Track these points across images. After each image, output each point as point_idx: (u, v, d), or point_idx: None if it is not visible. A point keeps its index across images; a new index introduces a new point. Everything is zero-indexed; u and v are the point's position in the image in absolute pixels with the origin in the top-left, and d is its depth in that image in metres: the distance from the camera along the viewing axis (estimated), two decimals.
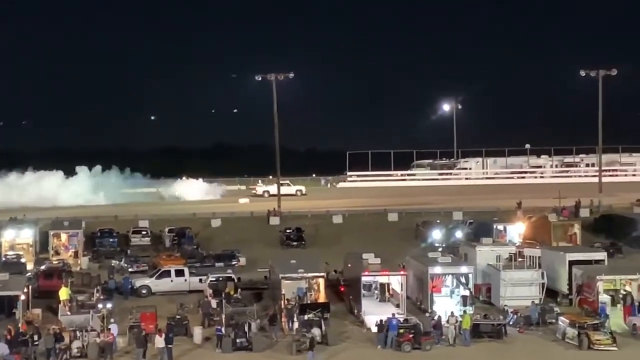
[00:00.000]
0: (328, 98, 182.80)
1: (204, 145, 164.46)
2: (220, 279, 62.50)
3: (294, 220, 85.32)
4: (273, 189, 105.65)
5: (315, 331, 52.17)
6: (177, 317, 55.18)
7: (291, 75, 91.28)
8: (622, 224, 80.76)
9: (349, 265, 62.55)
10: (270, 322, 54.27)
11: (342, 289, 62.54)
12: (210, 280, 62.20)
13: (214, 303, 57.44)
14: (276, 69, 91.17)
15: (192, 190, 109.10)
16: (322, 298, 57.59)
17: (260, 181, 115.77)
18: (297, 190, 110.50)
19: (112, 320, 53.30)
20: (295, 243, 79.61)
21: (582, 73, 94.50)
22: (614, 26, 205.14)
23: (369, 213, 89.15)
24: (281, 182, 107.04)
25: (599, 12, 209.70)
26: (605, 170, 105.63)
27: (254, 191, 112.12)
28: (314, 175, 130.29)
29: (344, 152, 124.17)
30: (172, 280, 65.45)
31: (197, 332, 53.28)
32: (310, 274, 58.04)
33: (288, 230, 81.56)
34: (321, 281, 58.07)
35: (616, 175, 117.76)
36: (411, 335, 51.40)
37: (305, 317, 54.06)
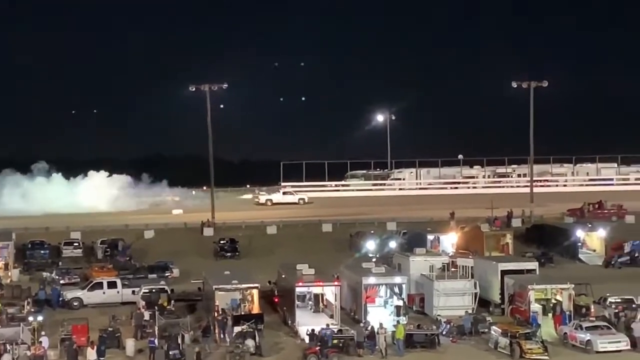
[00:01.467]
0: (262, 108, 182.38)
1: (137, 156, 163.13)
2: (153, 290, 62.10)
3: (228, 231, 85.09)
4: (276, 197, 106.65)
5: (249, 342, 52.03)
6: (110, 329, 54.63)
7: (225, 85, 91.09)
8: (553, 234, 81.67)
9: (283, 276, 62.48)
10: (203, 333, 53.99)
11: (276, 299, 62.43)
12: (143, 292, 61.74)
13: (146, 315, 56.95)
14: (210, 79, 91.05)
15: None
16: (256, 309, 57.40)
17: (257, 190, 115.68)
18: (299, 199, 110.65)
19: (42, 333, 52.58)
20: (229, 254, 79.38)
21: (514, 84, 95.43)
22: (548, 39, 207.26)
23: (303, 224, 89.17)
24: (284, 190, 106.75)
25: (533, 24, 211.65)
26: (537, 181, 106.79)
27: (256, 199, 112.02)
28: (248, 186, 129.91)
29: (278, 162, 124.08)
30: (104, 292, 64.87)
31: (130, 345, 52.75)
32: (244, 285, 57.83)
33: (222, 241, 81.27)
34: (255, 292, 57.90)
35: (547, 186, 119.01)
36: (317, 348, 51.44)
37: (239, 328, 53.89)
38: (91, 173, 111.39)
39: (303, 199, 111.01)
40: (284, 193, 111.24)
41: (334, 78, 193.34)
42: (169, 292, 62.24)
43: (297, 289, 58.52)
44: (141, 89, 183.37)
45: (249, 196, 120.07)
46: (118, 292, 64.93)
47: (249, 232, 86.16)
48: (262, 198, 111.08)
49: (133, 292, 63.77)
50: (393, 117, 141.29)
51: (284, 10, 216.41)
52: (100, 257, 77.58)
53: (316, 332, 53.00)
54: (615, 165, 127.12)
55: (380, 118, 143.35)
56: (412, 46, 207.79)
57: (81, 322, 54.64)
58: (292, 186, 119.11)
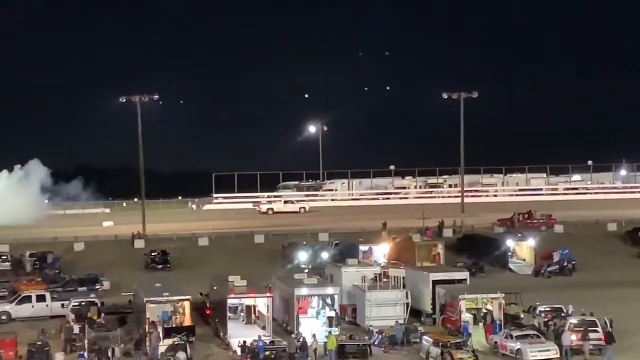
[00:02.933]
0: (194, 120, 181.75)
1: (67, 169, 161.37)
2: (83, 303, 61.34)
3: (159, 243, 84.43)
4: (277, 206, 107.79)
5: (181, 355, 51.60)
6: (39, 343, 53.78)
7: (156, 97, 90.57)
8: (484, 244, 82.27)
9: (215, 288, 62.15)
10: (136, 347, 53.53)
11: (208, 312, 62.07)
12: (73, 305, 60.99)
13: (76, 328, 56.21)
14: (141, 90, 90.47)
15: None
16: (187, 321, 57.03)
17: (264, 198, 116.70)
18: (300, 208, 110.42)
19: None
20: (160, 266, 78.75)
21: (445, 96, 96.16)
22: (480, 51, 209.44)
23: (236, 235, 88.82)
24: (286, 199, 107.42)
25: (466, 34, 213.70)
26: (468, 191, 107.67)
27: (258, 209, 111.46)
28: (180, 197, 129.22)
29: (210, 174, 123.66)
30: (33, 306, 63.96)
31: (59, 359, 52.13)
32: (175, 298, 57.43)
33: (153, 254, 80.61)
34: (187, 304, 57.51)
35: (478, 196, 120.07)
36: None
37: (171, 340, 53.50)
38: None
39: (304, 208, 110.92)
40: (285, 202, 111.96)
41: (266, 90, 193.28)
42: (99, 305, 61.60)
43: (229, 301, 58.29)
44: (71, 100, 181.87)
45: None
46: (47, 305, 64.08)
47: (181, 244, 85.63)
48: (264, 207, 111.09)
49: (63, 305, 62.98)
50: (325, 128, 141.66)
51: (217, 25, 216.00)
52: (29, 271, 76.41)
53: (248, 344, 52.83)
54: (545, 175, 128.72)
55: (312, 129, 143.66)
56: (346, 57, 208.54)
57: (9, 337, 53.80)
58: (225, 197, 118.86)
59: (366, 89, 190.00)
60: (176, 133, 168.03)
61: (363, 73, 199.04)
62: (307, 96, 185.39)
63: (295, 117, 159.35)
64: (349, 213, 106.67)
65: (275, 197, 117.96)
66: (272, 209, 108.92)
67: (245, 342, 53.03)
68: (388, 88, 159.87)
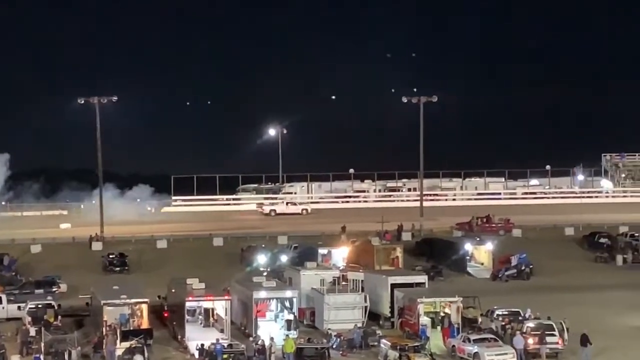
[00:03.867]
0: (152, 121, 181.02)
1: (24, 170, 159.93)
2: (40, 306, 60.94)
3: (117, 246, 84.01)
4: (280, 208, 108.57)
5: (138, 358, 51.42)
6: None
7: (115, 98, 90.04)
8: (442, 248, 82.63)
9: (173, 290, 61.93)
10: (94, 349, 53.21)
11: (166, 314, 61.83)
12: (29, 308, 60.60)
13: (32, 331, 55.84)
14: (99, 92, 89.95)
15: None
16: (145, 324, 56.79)
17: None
18: (303, 209, 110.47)
19: None
20: (118, 268, 78.41)
21: (404, 99, 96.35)
22: (442, 54, 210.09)
23: (194, 238, 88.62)
24: (288, 201, 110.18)
25: (429, 41, 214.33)
26: (427, 195, 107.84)
27: (260, 210, 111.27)
28: (138, 200, 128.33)
29: (169, 176, 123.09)
30: None
31: None
32: (133, 300, 57.16)
33: (111, 256, 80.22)
34: (144, 307, 57.26)
35: (437, 200, 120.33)
36: None
37: (128, 343, 53.21)
38: None
39: (306, 210, 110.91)
40: (288, 204, 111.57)
41: (226, 92, 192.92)
42: (56, 307, 61.18)
43: (187, 304, 58.10)
44: (27, 102, 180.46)
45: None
46: (3, 307, 63.68)
47: (139, 246, 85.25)
48: (267, 208, 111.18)
49: (19, 307, 62.64)
50: (285, 131, 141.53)
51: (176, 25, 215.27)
52: None
53: (206, 347, 52.66)
54: (503, 179, 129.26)
55: (272, 132, 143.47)
56: (302, 60, 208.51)
57: None
58: (183, 200, 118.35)
59: (332, 97, 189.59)
60: (135, 135, 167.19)
61: (325, 77, 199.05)
62: (333, 97, 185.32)
63: (255, 119, 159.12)
64: (308, 216, 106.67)
65: (278, 198, 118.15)
66: (275, 210, 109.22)
67: (202, 344, 52.85)
68: (333, 97, 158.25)
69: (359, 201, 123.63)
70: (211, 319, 60.21)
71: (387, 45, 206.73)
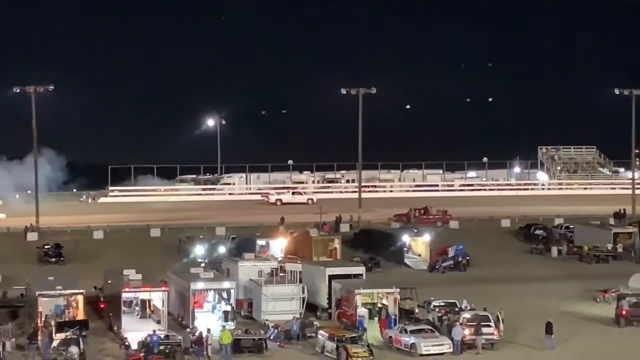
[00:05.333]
0: (89, 111, 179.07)
1: None
2: None
3: (53, 236, 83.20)
4: (285, 197, 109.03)
5: (73, 349, 50.83)
6: None
7: (51, 87, 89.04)
8: (380, 239, 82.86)
9: (109, 281, 61.51)
10: (30, 340, 52.66)
11: (102, 305, 61.34)
12: None
13: None
14: (36, 80, 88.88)
15: None
16: (80, 315, 56.35)
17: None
18: (308, 199, 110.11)
19: None
20: (53, 259, 77.59)
21: (343, 91, 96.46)
22: (378, 47, 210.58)
23: (131, 228, 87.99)
24: (293, 190, 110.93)
25: (368, 32, 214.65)
26: (365, 186, 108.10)
27: (266, 199, 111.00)
28: (74, 190, 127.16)
29: (106, 166, 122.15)
30: None
31: None
32: (68, 291, 56.67)
33: (46, 246, 79.38)
34: (80, 298, 56.83)
35: (375, 191, 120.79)
36: (142, 355, 51.01)
37: (63, 335, 52.73)
38: None
39: (312, 199, 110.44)
40: (293, 193, 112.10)
41: (166, 84, 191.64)
42: None
43: (124, 295, 57.80)
44: None
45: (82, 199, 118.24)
46: None
47: (75, 237, 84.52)
48: (272, 198, 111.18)
49: None
50: (223, 122, 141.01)
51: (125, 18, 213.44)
52: None
53: (142, 338, 52.31)
54: (441, 171, 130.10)
55: (210, 122, 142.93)
56: (243, 53, 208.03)
57: None
58: (120, 190, 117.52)
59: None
60: (72, 124, 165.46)
61: (266, 68, 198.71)
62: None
63: (194, 110, 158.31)
64: (247, 207, 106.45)
65: (284, 188, 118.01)
66: (280, 200, 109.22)
67: (125, 338, 52.56)
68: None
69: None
70: (148, 310, 59.81)
71: (327, 38, 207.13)
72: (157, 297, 58.55)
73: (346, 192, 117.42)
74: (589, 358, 54.20)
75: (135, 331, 54.53)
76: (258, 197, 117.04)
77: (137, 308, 60.09)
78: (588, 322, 60.63)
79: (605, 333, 58.34)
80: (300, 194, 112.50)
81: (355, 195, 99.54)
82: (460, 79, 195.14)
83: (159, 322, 57.01)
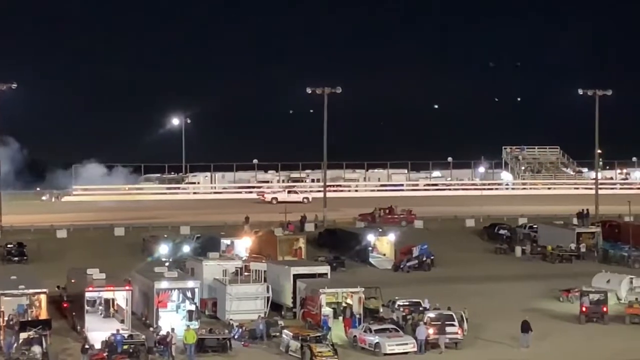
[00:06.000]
0: (53, 109, 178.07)
1: None
2: None
3: (15, 235, 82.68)
4: (281, 196, 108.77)
5: (36, 349, 50.53)
6: None
7: (14, 85, 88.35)
8: (345, 239, 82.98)
9: (73, 280, 61.17)
10: None
11: (66, 305, 60.96)
12: None
13: None
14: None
15: None
16: (43, 315, 55.93)
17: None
18: (304, 198, 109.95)
19: None
20: (16, 258, 77.11)
21: (309, 90, 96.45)
22: (348, 42, 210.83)
23: (95, 227, 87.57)
24: (289, 189, 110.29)
25: (339, 25, 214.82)
26: (330, 186, 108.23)
27: (261, 198, 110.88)
28: (37, 189, 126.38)
29: (70, 164, 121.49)
30: None
31: None
32: (31, 290, 56.29)
33: (9, 245, 78.87)
34: (43, 297, 56.42)
35: (340, 191, 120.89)
36: (105, 354, 50.81)
37: (26, 334, 52.35)
38: None
39: (307, 198, 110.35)
40: (289, 192, 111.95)
41: (132, 83, 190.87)
42: None
43: (87, 294, 57.44)
44: None
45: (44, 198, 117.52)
46: None
47: (38, 236, 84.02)
48: (268, 197, 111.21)
49: None
50: (188, 121, 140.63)
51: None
52: None
53: (105, 338, 52.06)
54: (406, 171, 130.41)
55: (175, 121, 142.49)
56: (208, 52, 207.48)
57: None
58: (84, 189, 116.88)
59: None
60: (35, 123, 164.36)
61: (224, 67, 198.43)
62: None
63: (159, 109, 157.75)
64: (211, 206, 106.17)
65: (283, 187, 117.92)
66: (276, 198, 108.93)
67: (86, 337, 52.36)
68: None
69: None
70: (111, 309, 59.52)
71: (291, 32, 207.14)
72: (120, 297, 58.26)
73: (311, 191, 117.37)
74: (555, 355, 54.52)
75: (99, 330, 54.25)
76: (223, 196, 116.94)
77: (100, 307, 59.76)
78: (551, 319, 60.98)
79: (568, 330, 58.80)
80: (296, 192, 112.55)
81: (320, 195, 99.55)
82: (427, 80, 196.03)
83: (122, 321, 56.73)
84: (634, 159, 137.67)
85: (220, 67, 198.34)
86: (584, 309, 61.02)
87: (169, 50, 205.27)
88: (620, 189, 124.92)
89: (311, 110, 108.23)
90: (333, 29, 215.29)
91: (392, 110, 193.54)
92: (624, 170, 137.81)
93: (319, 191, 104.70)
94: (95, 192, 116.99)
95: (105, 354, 50.80)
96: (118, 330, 53.05)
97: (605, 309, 61.02)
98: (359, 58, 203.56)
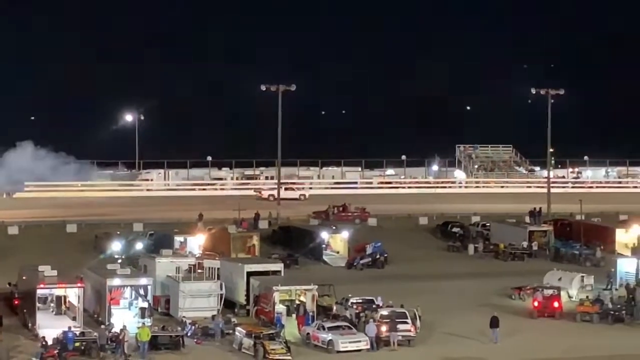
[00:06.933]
0: (6, 104, 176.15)
1: None
2: None
3: None
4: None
5: None
6: None
7: None
8: (298, 236, 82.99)
9: (24, 277, 60.71)
10: None
11: (17, 302, 60.55)
12: None
13: None
14: None
15: None
16: None
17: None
18: (300, 195, 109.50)
19: None
20: None
21: (263, 87, 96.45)
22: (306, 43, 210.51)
23: (47, 224, 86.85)
24: (286, 186, 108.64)
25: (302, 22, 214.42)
26: (284, 183, 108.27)
27: (258, 194, 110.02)
28: None
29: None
30: None
31: None
32: None
33: None
34: None
35: (292, 189, 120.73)
36: (56, 352, 50.44)
37: None
38: None
39: (304, 195, 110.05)
40: (286, 189, 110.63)
41: (85, 78, 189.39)
42: None
43: (39, 291, 57.13)
44: None
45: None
46: None
47: None
48: (265, 193, 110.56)
49: None
50: (142, 117, 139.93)
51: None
52: None
53: (57, 335, 51.74)
54: (360, 169, 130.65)
55: (129, 118, 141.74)
56: (165, 50, 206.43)
57: None
58: (36, 185, 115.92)
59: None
60: None
61: (179, 62, 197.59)
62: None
63: (112, 106, 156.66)
64: (165, 203, 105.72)
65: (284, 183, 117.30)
66: (273, 195, 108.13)
67: (44, 337, 51.99)
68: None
69: (216, 189, 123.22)
70: (63, 306, 59.21)
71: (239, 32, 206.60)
72: (72, 294, 58.03)
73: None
74: (508, 351, 54.95)
75: (50, 328, 53.91)
76: (176, 193, 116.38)
77: (52, 304, 59.47)
78: (504, 316, 61.18)
79: (521, 326, 59.34)
80: (292, 189, 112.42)
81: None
82: (383, 77, 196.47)
83: (74, 318, 56.51)
84: (586, 158, 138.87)
85: (175, 64, 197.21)
86: (536, 304, 61.83)
87: (122, 45, 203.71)
88: (572, 187, 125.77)
89: (264, 108, 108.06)
90: (285, 25, 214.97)
91: (347, 108, 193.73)
92: (576, 169, 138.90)
93: (275, 189, 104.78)
94: (47, 188, 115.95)
95: (56, 352, 50.47)
96: (70, 328, 52.80)
97: (558, 305, 61.76)
98: (312, 55, 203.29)
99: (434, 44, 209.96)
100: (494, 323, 56.18)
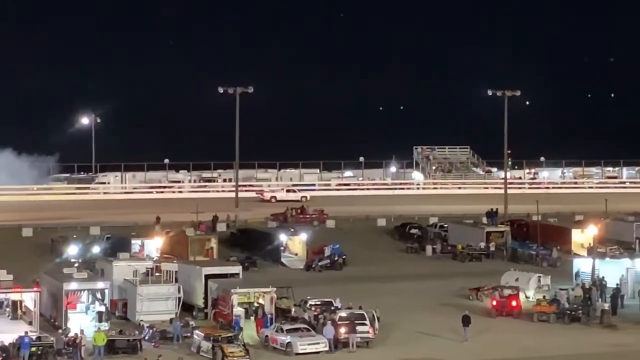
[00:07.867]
0: None
1: None
2: None
3: None
4: (280, 195, 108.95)
5: None
6: None
7: None
8: (257, 238, 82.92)
9: None
10: None
11: None
12: None
13: None
14: None
15: None
16: None
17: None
18: (302, 197, 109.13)
19: None
20: None
21: (221, 90, 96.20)
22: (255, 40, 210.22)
23: (2, 228, 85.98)
24: (287, 188, 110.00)
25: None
26: (242, 186, 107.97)
27: (260, 196, 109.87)
28: None
29: None
30: None
31: None
32: None
33: None
34: None
35: (252, 191, 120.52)
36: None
37: None
38: None
39: (305, 197, 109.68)
40: (287, 191, 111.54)
41: (44, 82, 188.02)
42: None
43: None
44: None
45: None
46: None
47: None
48: (267, 195, 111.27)
49: None
50: (98, 120, 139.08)
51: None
52: None
53: (13, 340, 51.27)
54: (318, 171, 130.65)
55: (85, 121, 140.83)
56: (126, 53, 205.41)
57: None
58: None
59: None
60: None
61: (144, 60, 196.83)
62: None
63: (67, 109, 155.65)
64: (122, 206, 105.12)
65: (284, 186, 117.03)
66: (275, 197, 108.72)
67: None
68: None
69: (174, 191, 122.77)
70: (19, 311, 58.73)
71: (202, 33, 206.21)
72: (28, 298, 57.63)
73: (223, 191, 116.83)
74: (466, 351, 55.22)
75: (6, 333, 53.40)
76: (134, 196, 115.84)
77: (8, 309, 59.04)
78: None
79: (479, 326, 59.33)
80: (294, 191, 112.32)
81: (232, 195, 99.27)
82: (339, 80, 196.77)
83: (30, 323, 56.06)
84: (542, 158, 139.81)
85: (131, 66, 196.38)
86: (495, 303, 62.24)
87: (78, 47, 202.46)
88: (529, 188, 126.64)
89: (222, 110, 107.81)
90: (243, 26, 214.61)
91: (304, 110, 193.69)
92: (533, 170, 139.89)
93: (231, 191, 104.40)
94: (2, 192, 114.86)
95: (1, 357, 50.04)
96: (26, 333, 52.34)
97: (516, 304, 62.17)
98: (269, 57, 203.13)
99: (395, 43, 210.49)
100: (466, 321, 56.49)
